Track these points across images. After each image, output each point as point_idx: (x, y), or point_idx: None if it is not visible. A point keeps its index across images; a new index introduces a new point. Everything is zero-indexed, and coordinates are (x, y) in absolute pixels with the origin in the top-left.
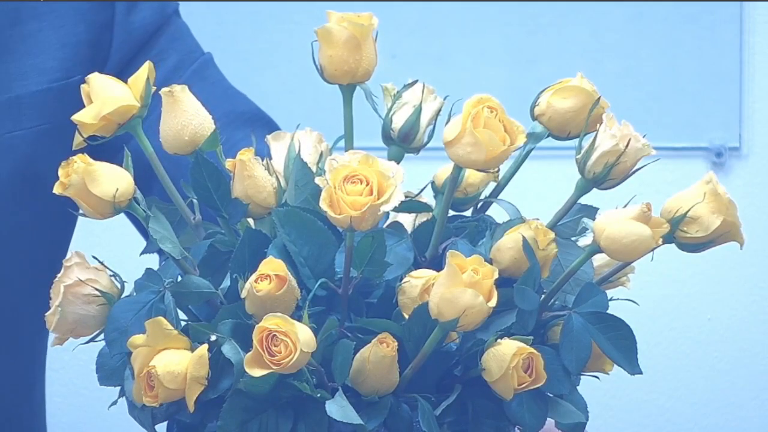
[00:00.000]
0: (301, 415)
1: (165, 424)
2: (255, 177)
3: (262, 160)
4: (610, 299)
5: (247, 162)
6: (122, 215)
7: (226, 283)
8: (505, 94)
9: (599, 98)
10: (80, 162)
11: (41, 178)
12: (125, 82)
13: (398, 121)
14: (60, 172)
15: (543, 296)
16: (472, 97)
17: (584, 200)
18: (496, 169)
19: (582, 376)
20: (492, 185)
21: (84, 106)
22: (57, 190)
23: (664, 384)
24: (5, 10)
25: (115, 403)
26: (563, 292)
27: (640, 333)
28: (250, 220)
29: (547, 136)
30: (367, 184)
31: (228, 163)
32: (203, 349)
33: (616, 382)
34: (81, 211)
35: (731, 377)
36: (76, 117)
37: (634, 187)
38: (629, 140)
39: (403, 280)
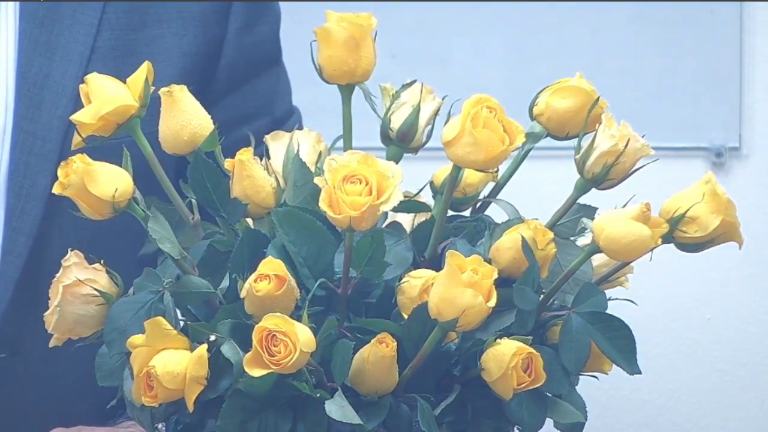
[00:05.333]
0: (300, 415)
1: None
2: (254, 177)
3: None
4: (609, 299)
5: (246, 162)
6: None
7: (225, 283)
8: (504, 94)
9: (598, 98)
10: (79, 162)
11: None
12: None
13: (397, 121)
14: (59, 172)
15: (542, 296)
16: (471, 97)
17: (583, 200)
18: (495, 169)
19: (581, 376)
20: (491, 185)
21: None
22: (56, 190)
23: (663, 384)
24: (131, 13)
25: (114, 403)
26: (562, 292)
27: (639, 333)
28: (249, 220)
29: (546, 136)
30: (367, 184)
31: (227, 164)
32: (202, 349)
33: (615, 382)
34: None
35: (731, 377)
36: (75, 117)
37: (633, 187)
38: (628, 140)
39: (402, 280)
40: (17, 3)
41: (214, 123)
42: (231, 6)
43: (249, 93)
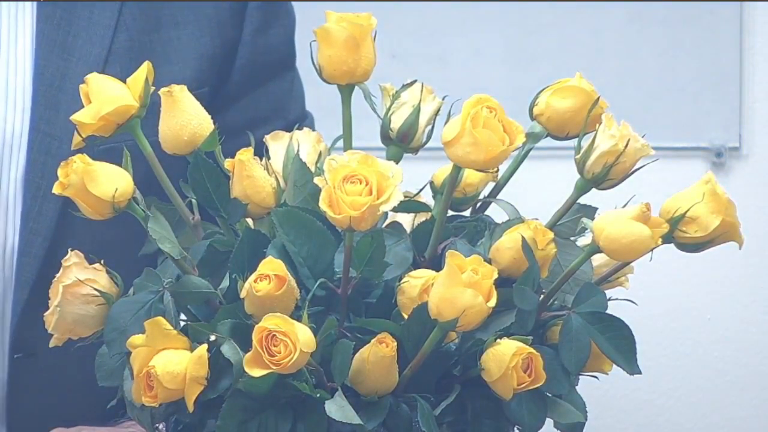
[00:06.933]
0: (300, 415)
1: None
2: (254, 177)
3: None
4: (609, 299)
5: (246, 162)
6: None
7: (225, 283)
8: (504, 94)
9: (598, 98)
10: (79, 162)
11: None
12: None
13: (397, 121)
14: (59, 172)
15: (542, 296)
16: (472, 98)
17: (583, 200)
18: (495, 169)
19: (581, 376)
20: (491, 185)
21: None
22: (56, 190)
23: (663, 384)
24: (147, 16)
25: (114, 403)
26: (562, 292)
27: (639, 333)
28: (249, 220)
29: (546, 136)
30: (367, 184)
31: (227, 164)
32: (202, 349)
33: (615, 382)
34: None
35: (731, 377)
36: (75, 116)
37: (633, 187)
38: (628, 140)
39: (403, 280)
40: (34, 5)
41: (226, 126)
42: (246, 9)
43: (262, 96)
